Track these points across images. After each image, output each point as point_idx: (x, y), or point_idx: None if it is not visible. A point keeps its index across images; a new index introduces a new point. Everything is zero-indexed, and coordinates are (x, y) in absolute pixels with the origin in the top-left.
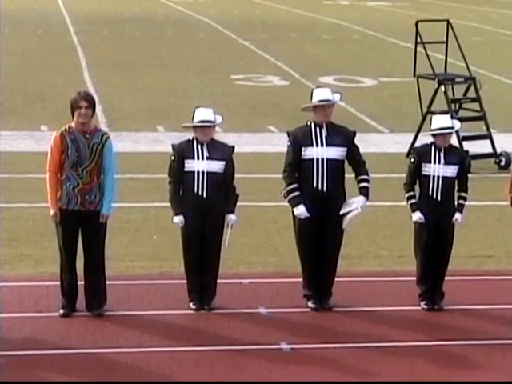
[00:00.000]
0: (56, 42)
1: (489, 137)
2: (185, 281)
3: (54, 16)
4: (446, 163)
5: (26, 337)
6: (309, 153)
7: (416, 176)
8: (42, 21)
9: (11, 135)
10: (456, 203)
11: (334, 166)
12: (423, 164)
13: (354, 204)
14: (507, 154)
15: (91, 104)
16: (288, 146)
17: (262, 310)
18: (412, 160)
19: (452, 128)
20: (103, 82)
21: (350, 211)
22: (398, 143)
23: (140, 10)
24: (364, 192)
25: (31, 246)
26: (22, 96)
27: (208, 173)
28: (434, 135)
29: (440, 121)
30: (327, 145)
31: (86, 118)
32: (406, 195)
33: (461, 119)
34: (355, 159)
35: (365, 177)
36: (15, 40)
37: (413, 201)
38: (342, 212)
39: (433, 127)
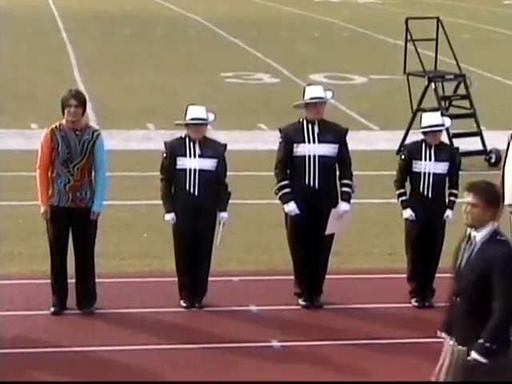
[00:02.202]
0: (46, 40)
1: (479, 134)
2: (175, 278)
3: (43, 14)
4: (436, 160)
5: (16, 335)
6: (300, 149)
7: (406, 173)
8: (31, 19)
9: (1, 133)
10: (447, 200)
11: (326, 163)
12: (414, 161)
13: (338, 221)
14: (497, 151)
15: (82, 102)
16: (280, 143)
17: (253, 308)
18: (402, 157)
19: (442, 125)
20: (93, 80)
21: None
22: (388, 140)
23: (130, 7)
24: (345, 198)
25: (22, 244)
26: (12, 94)
27: (200, 171)
28: (424, 133)
29: (430, 118)
30: (319, 141)
31: (76, 116)
32: (397, 192)
33: (451, 116)
34: (343, 158)
35: (348, 181)
36: (4, 38)
37: (403, 198)
38: (328, 232)
39: (423, 125)
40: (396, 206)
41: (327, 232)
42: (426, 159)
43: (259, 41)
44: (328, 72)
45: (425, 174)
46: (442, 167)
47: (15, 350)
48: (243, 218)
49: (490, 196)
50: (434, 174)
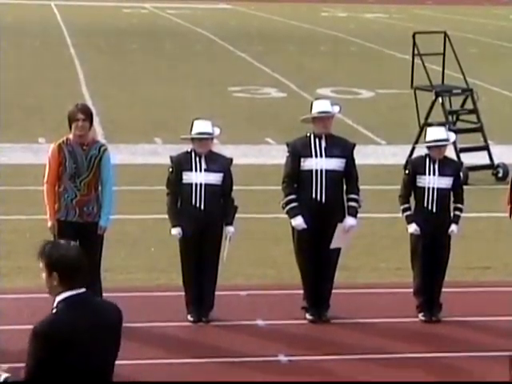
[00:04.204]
0: (54, 54)
1: (486, 148)
2: (182, 293)
3: (51, 29)
4: (440, 175)
5: (23, 349)
6: (308, 164)
7: (411, 188)
8: (39, 33)
9: (9, 148)
10: (452, 215)
11: (333, 177)
12: (418, 176)
13: (344, 236)
14: (505, 166)
15: (88, 116)
16: (287, 157)
17: (260, 322)
18: (407, 172)
19: (447, 140)
20: (101, 94)
21: (341, 239)
22: (395, 155)
23: (137, 22)
24: (352, 212)
25: (29, 258)
26: (20, 108)
27: (206, 185)
28: (428, 147)
29: (435, 133)
30: (326, 156)
31: (83, 131)
32: (402, 207)
33: (458, 131)
34: (350, 173)
35: (355, 196)
36: (13, 53)
37: (408, 213)
38: (333, 246)
39: (428, 139)
40: (403, 220)
41: (332, 246)
42: (430, 174)
43: (266, 55)
44: (335, 86)
45: (429, 188)
46: (446, 182)
47: (22, 365)
48: (250, 232)
49: (50, 261)
50: (439, 189)
